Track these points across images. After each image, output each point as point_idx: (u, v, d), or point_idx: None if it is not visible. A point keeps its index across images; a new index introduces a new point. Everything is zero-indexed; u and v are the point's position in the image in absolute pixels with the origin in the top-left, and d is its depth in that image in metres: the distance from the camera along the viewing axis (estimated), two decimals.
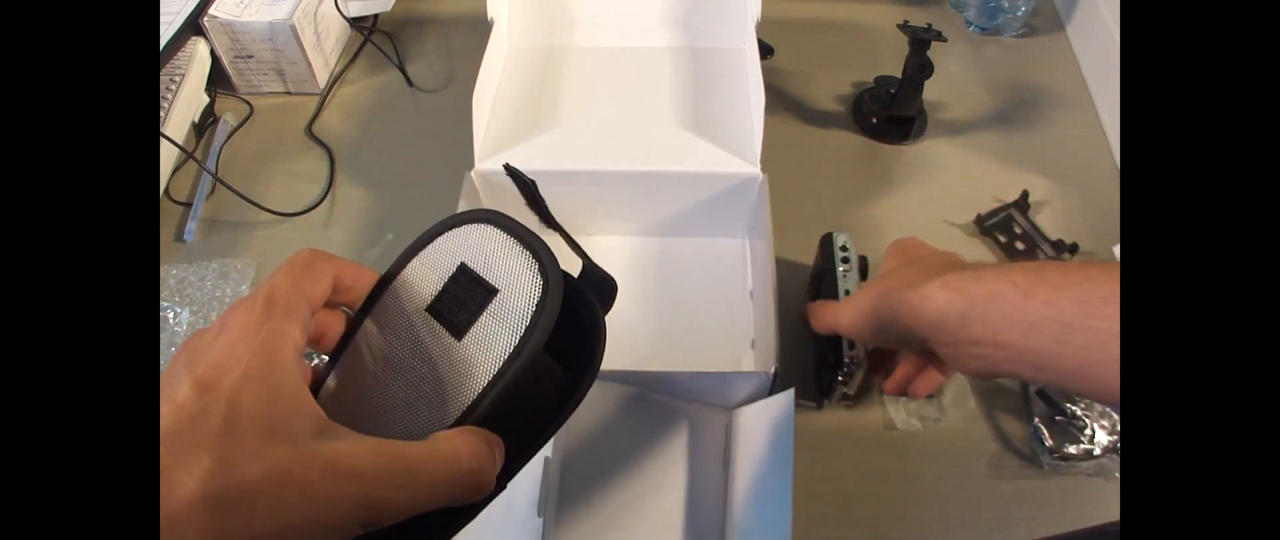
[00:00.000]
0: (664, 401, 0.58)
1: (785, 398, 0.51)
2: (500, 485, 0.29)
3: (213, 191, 0.77)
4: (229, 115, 0.83)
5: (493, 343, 0.28)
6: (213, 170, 0.78)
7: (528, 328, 0.28)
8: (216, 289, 0.69)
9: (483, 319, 0.29)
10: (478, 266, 0.30)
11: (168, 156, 0.75)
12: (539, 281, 0.29)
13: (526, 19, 0.78)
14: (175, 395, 0.23)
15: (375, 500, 0.24)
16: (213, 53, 0.82)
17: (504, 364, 0.28)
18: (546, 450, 0.52)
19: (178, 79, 0.78)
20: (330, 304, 0.30)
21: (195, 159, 0.77)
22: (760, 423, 0.54)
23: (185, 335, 0.66)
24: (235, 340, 0.25)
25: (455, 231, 0.31)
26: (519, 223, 0.31)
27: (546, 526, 0.51)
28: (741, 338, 0.65)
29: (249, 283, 0.70)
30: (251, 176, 0.78)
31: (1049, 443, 0.59)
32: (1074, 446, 0.58)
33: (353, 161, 0.80)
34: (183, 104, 0.77)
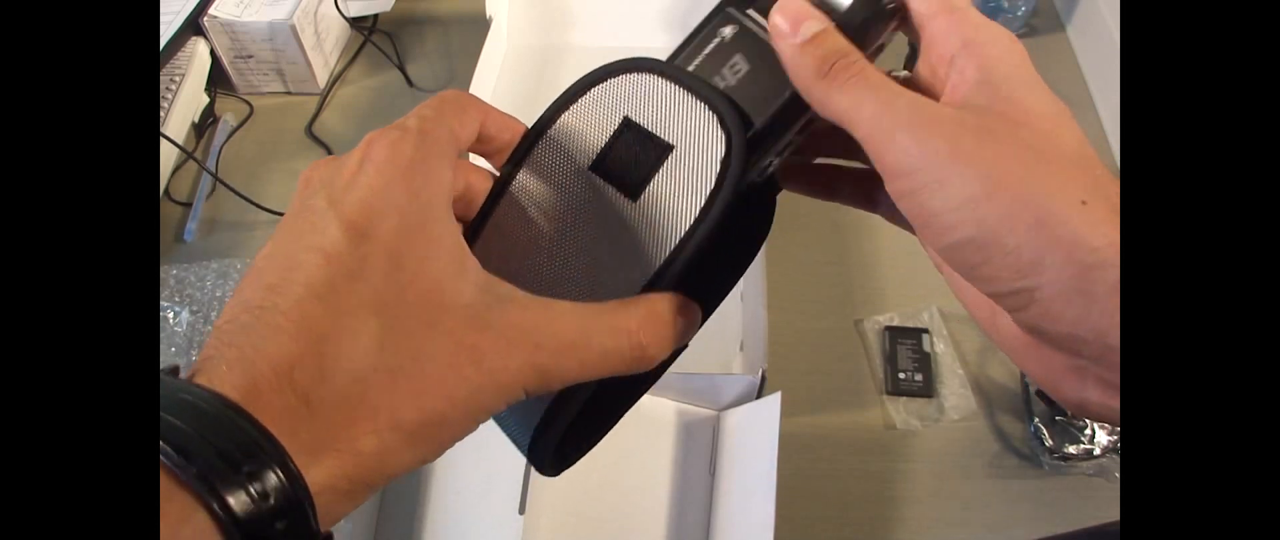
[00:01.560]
0: (651, 402, 0.58)
1: (772, 401, 0.51)
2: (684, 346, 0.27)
3: (213, 191, 0.77)
4: (229, 115, 0.83)
5: (675, 204, 0.26)
6: (213, 170, 0.78)
7: (713, 188, 0.25)
8: (216, 289, 0.69)
9: (659, 178, 0.26)
10: (645, 120, 0.27)
11: (168, 156, 0.75)
12: (721, 135, 0.26)
13: (525, 18, 0.78)
14: (323, 241, 0.21)
15: (544, 368, 0.22)
16: (213, 53, 0.82)
17: (691, 227, 0.25)
18: None
19: (178, 79, 0.78)
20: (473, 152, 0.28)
21: (195, 159, 0.77)
22: (747, 425, 0.54)
23: (185, 335, 0.66)
24: (387, 181, 0.22)
25: (611, 82, 0.28)
26: (684, 70, 0.28)
27: (528, 527, 0.51)
28: (730, 340, 0.65)
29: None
30: (251, 176, 0.78)
31: (1049, 443, 0.59)
32: (1074, 446, 0.58)
33: None
34: (183, 104, 0.77)
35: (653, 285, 0.26)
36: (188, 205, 0.76)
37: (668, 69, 0.28)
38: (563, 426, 0.26)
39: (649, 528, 0.54)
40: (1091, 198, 0.21)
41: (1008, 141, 0.23)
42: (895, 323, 0.66)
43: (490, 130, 0.27)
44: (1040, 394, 0.61)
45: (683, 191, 0.26)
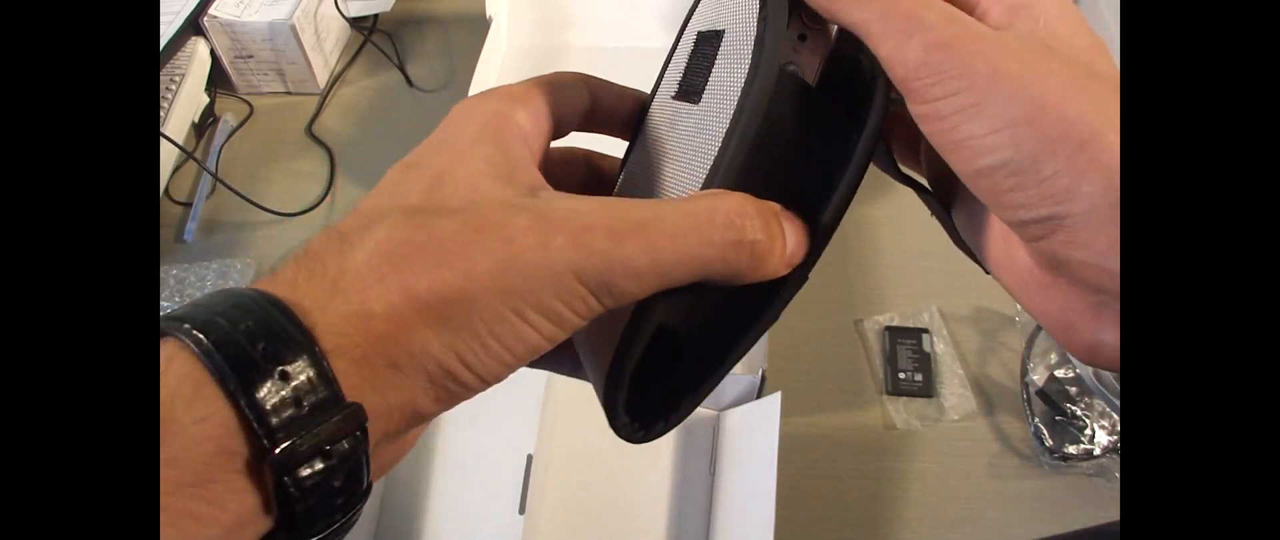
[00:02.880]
0: None
1: (772, 401, 0.51)
2: (802, 272, 0.23)
3: (213, 191, 0.77)
4: (229, 115, 0.83)
5: (728, 85, 0.23)
6: (213, 170, 0.78)
7: (755, 43, 0.23)
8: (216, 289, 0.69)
9: (715, 69, 0.24)
10: (709, 24, 0.26)
11: (168, 156, 0.75)
12: (759, 17, 0.23)
13: (525, 18, 0.78)
14: (381, 182, 0.21)
15: (599, 250, 0.20)
16: (213, 53, 0.82)
17: (739, 98, 0.22)
18: (529, 448, 0.51)
19: (178, 79, 0.78)
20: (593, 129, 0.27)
21: (195, 159, 0.77)
22: (747, 425, 0.54)
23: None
24: (448, 125, 0.23)
25: (696, 11, 0.27)
26: None
27: (528, 527, 0.51)
28: None
29: (249, 282, 0.70)
30: (251, 176, 0.78)
31: (1049, 443, 0.59)
32: (1074, 446, 0.58)
33: (353, 161, 0.80)
34: (183, 104, 0.77)
35: (708, 182, 0.22)
36: (188, 205, 0.76)
37: None
38: (637, 355, 0.23)
39: (649, 528, 0.54)
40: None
41: (1052, 61, 0.21)
42: (895, 323, 0.66)
43: (605, 102, 0.27)
44: (1040, 394, 0.61)
45: (733, 69, 0.23)
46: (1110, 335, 0.22)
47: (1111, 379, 0.60)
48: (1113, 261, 0.20)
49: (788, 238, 0.22)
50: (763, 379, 0.54)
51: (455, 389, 0.20)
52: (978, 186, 0.22)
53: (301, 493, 0.18)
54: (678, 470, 0.56)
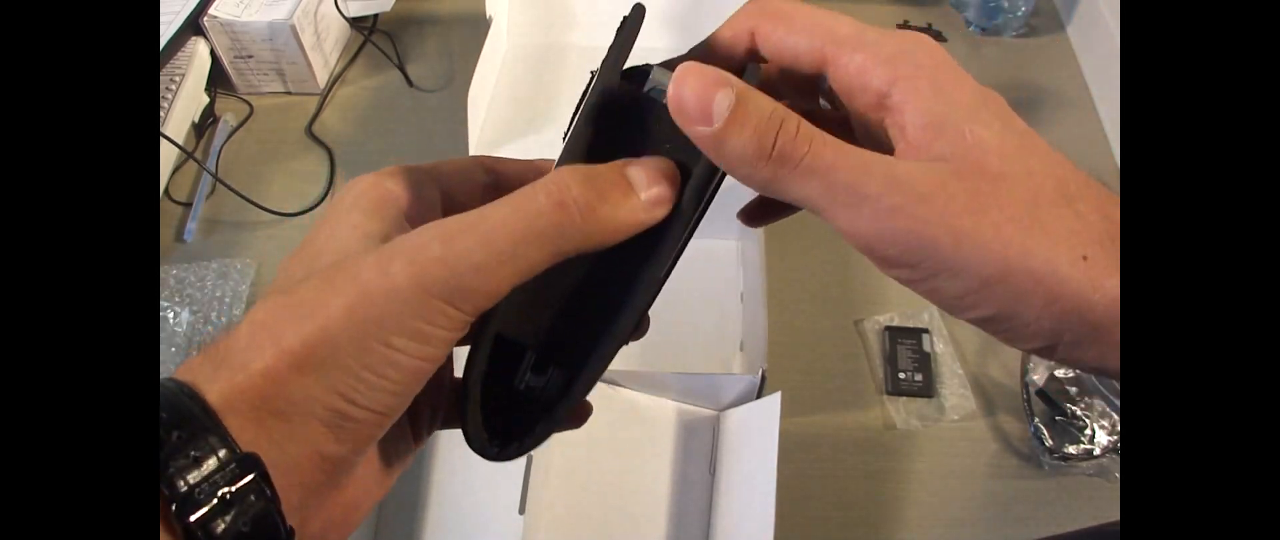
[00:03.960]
0: (651, 402, 0.58)
1: (772, 401, 0.51)
2: (694, 207, 0.24)
3: (213, 191, 0.77)
4: (229, 115, 0.83)
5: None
6: (213, 170, 0.78)
7: (604, 59, 0.25)
8: (216, 289, 0.69)
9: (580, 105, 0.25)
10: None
11: (168, 156, 0.75)
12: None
13: (525, 18, 0.78)
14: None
15: (434, 261, 0.21)
16: (213, 53, 0.82)
17: (581, 96, 0.25)
18: None
19: (178, 79, 0.78)
20: None
21: (195, 159, 0.77)
22: (747, 425, 0.54)
23: (185, 335, 0.66)
24: (329, 203, 0.26)
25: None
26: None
27: (528, 527, 0.51)
28: (731, 340, 0.65)
29: (249, 283, 0.70)
30: (251, 176, 0.78)
31: (1049, 443, 0.59)
32: (1074, 446, 0.58)
33: (353, 161, 0.80)
34: (183, 104, 0.77)
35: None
36: (188, 205, 0.75)
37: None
38: (482, 360, 0.23)
39: (649, 528, 0.54)
40: (1090, 251, 0.21)
41: (998, 204, 0.21)
42: (895, 323, 0.66)
43: (510, 178, 0.27)
44: (1040, 394, 0.61)
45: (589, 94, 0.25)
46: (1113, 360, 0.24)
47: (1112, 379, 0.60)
48: (1107, 364, 0.22)
49: (640, 182, 0.23)
50: (763, 379, 0.54)
51: (351, 426, 0.21)
52: (976, 324, 0.23)
53: (211, 537, 0.19)
54: (678, 470, 0.56)
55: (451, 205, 0.26)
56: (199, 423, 0.20)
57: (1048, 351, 0.23)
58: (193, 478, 0.19)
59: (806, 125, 0.21)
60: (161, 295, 0.69)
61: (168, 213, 0.75)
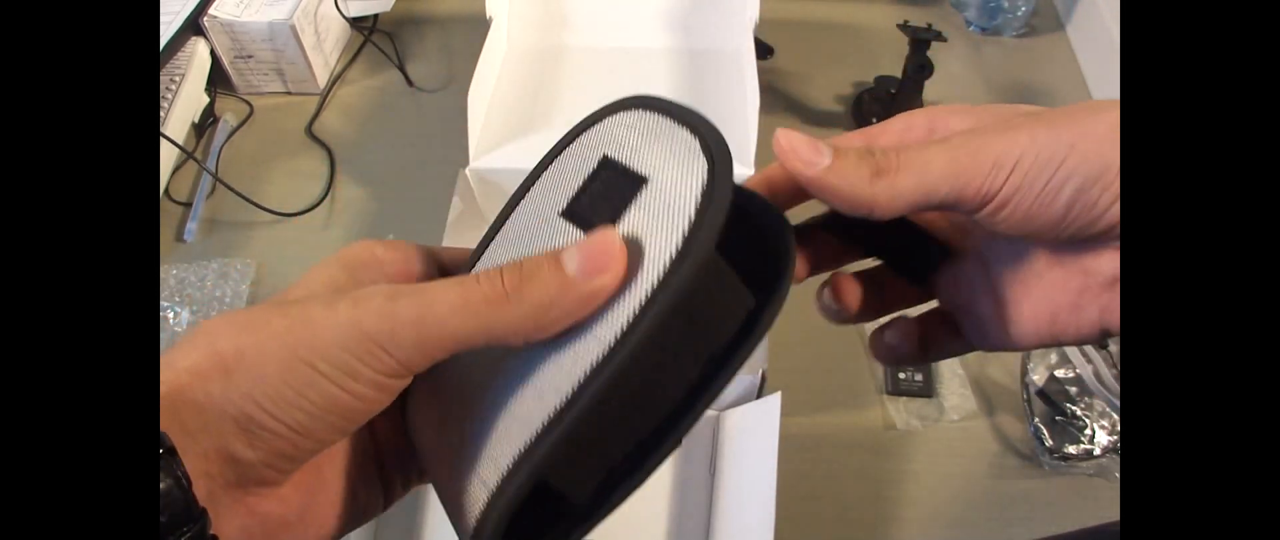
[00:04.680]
0: None
1: (772, 401, 0.51)
2: (682, 426, 0.23)
3: (213, 191, 0.77)
4: (229, 115, 0.83)
5: (647, 246, 0.22)
6: (213, 170, 0.78)
7: (693, 221, 0.21)
8: (216, 289, 0.69)
9: (630, 213, 0.23)
10: (623, 156, 0.24)
11: (168, 156, 0.75)
12: (702, 162, 0.22)
13: (525, 18, 0.78)
14: None
15: (375, 311, 0.22)
16: (213, 53, 0.82)
17: (668, 268, 0.21)
18: None
19: (178, 79, 0.78)
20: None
21: (195, 159, 0.77)
22: (747, 425, 0.54)
23: (185, 335, 0.66)
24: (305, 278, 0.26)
25: (600, 125, 0.26)
26: (678, 103, 0.24)
27: None
28: None
29: (249, 282, 0.70)
30: (251, 176, 0.78)
31: (1049, 443, 0.59)
32: (1074, 446, 0.58)
33: (353, 161, 0.80)
34: (183, 104, 0.77)
35: (617, 348, 0.21)
36: (188, 205, 0.76)
37: (660, 102, 0.25)
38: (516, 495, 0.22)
39: (649, 528, 0.54)
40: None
41: (1030, 117, 0.24)
42: None
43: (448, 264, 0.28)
44: (1040, 394, 0.61)
45: (655, 228, 0.22)
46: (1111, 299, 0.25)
47: (1111, 379, 0.60)
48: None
49: (570, 260, 0.22)
50: (763, 379, 0.54)
51: (264, 436, 0.23)
52: (1072, 212, 0.24)
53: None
54: (678, 470, 0.56)
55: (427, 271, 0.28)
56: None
57: (1112, 199, 0.23)
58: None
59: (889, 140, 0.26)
60: (161, 295, 0.69)
61: (168, 213, 0.75)
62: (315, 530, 0.26)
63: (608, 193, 0.24)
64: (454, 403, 0.25)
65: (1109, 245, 0.25)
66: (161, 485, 0.21)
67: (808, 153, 0.24)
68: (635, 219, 0.23)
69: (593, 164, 0.25)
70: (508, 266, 0.23)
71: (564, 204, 0.25)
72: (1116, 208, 0.23)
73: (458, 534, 0.24)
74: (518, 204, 0.27)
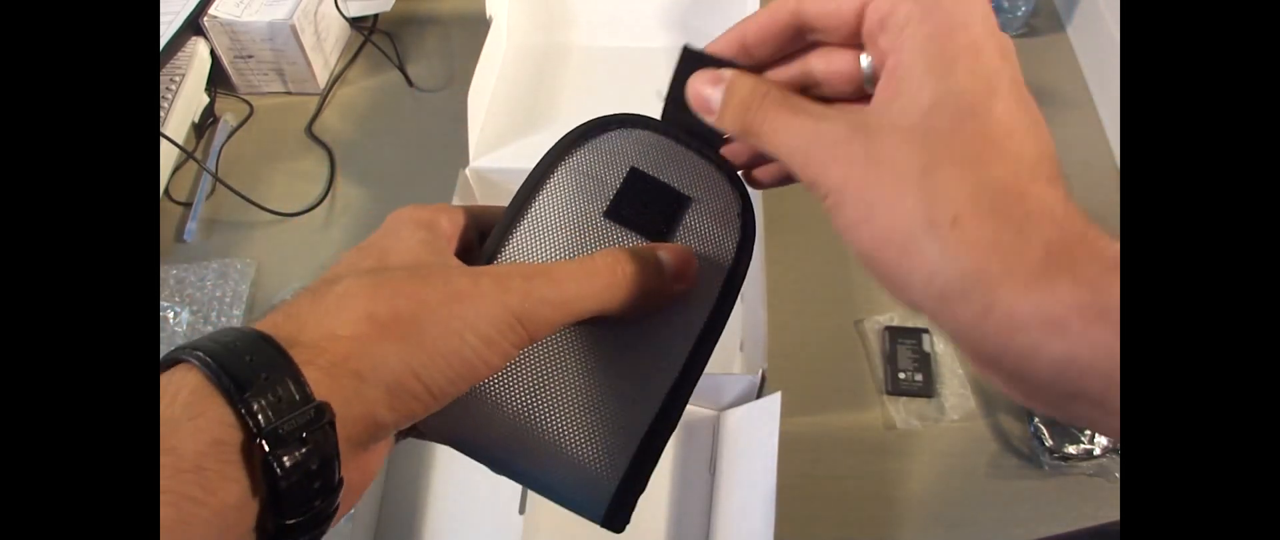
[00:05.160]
0: None
1: (772, 401, 0.51)
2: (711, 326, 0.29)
3: (213, 191, 0.77)
4: (229, 115, 0.83)
5: (706, 258, 0.29)
6: (213, 170, 0.78)
7: (741, 239, 0.30)
8: (216, 289, 0.69)
9: (683, 229, 0.29)
10: (652, 171, 0.30)
11: (168, 156, 0.75)
12: (735, 198, 0.30)
13: (525, 17, 0.78)
14: (338, 262, 0.27)
15: (515, 290, 0.25)
16: (213, 53, 0.82)
17: (729, 273, 0.29)
18: None
19: (178, 79, 0.78)
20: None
21: (195, 159, 0.77)
22: (747, 425, 0.54)
23: (185, 335, 0.66)
24: (388, 223, 0.29)
25: (606, 137, 0.31)
26: (677, 128, 0.30)
27: (528, 527, 0.51)
28: (731, 340, 0.65)
29: (249, 282, 0.70)
30: (251, 176, 0.78)
31: (1049, 443, 0.59)
32: (1074, 446, 0.58)
33: (353, 161, 0.80)
34: (183, 104, 0.77)
35: (703, 341, 0.29)
36: (188, 205, 0.76)
37: (651, 121, 0.30)
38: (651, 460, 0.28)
39: (649, 528, 0.54)
40: (962, 212, 0.22)
41: (889, 159, 0.23)
42: (895, 323, 0.66)
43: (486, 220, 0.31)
44: None
45: (712, 240, 0.29)
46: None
47: None
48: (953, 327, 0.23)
49: (667, 264, 0.28)
50: (763, 379, 0.54)
51: (406, 400, 0.24)
52: (859, 252, 0.25)
53: (283, 471, 0.21)
54: (678, 470, 0.56)
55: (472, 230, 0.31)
56: (282, 368, 0.22)
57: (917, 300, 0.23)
58: (274, 414, 0.21)
59: (781, 91, 0.27)
60: (161, 295, 0.69)
61: (168, 213, 0.75)
62: (374, 473, 0.27)
63: (651, 203, 0.30)
64: (545, 382, 0.29)
65: None
66: (321, 451, 0.22)
67: (702, 100, 0.28)
68: (690, 235, 0.29)
69: (620, 173, 0.30)
70: (618, 257, 0.27)
71: (604, 206, 0.30)
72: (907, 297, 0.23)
73: (563, 492, 0.30)
74: (534, 197, 0.30)
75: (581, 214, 0.29)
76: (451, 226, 0.29)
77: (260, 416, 0.21)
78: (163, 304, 0.68)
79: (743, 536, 0.50)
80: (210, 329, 0.66)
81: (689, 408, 0.58)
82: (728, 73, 0.28)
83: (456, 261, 0.27)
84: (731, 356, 0.63)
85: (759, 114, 0.26)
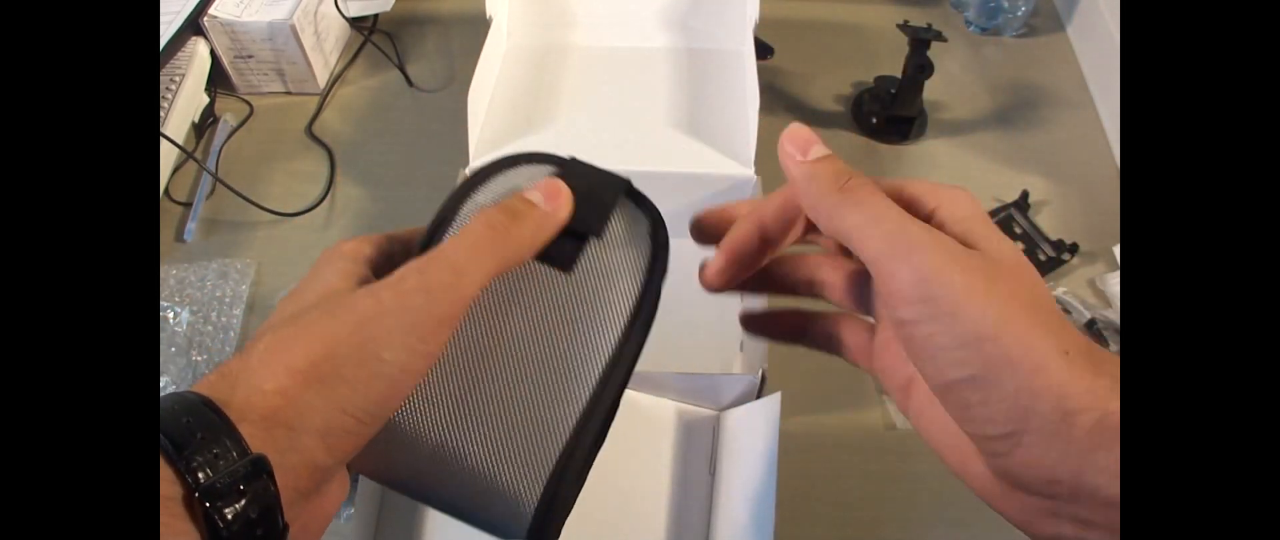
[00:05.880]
0: (651, 402, 0.58)
1: (772, 401, 0.51)
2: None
3: (213, 191, 0.77)
4: (229, 115, 0.83)
5: (616, 274, 0.30)
6: (213, 170, 0.78)
7: (651, 258, 0.31)
8: (216, 289, 0.69)
9: (593, 250, 0.30)
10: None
11: (168, 156, 0.75)
12: (644, 214, 0.31)
13: (525, 17, 0.78)
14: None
15: (412, 288, 0.26)
16: (213, 53, 0.82)
17: (641, 288, 0.31)
18: None
19: (178, 79, 0.78)
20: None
21: (195, 159, 0.77)
22: (747, 425, 0.54)
23: (185, 335, 0.66)
24: (316, 261, 0.29)
25: (512, 171, 0.32)
26: (568, 156, 0.32)
27: None
28: (731, 340, 0.64)
29: (249, 282, 0.70)
30: (251, 176, 0.78)
31: None
32: None
33: (353, 161, 0.80)
34: (183, 104, 0.77)
35: (613, 365, 0.29)
36: (188, 205, 0.76)
37: (565, 162, 0.32)
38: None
39: (649, 528, 0.54)
40: (1072, 349, 0.23)
41: (1008, 285, 0.24)
42: None
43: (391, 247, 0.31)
44: None
45: (622, 261, 0.30)
46: (1069, 530, 0.24)
47: None
48: (1062, 472, 0.22)
49: (536, 196, 0.30)
50: (763, 379, 0.54)
51: (343, 438, 0.25)
52: (949, 399, 0.25)
53: (225, 523, 0.22)
54: (678, 470, 0.56)
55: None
56: (218, 428, 0.23)
57: (1009, 446, 0.23)
58: (212, 471, 0.22)
59: (873, 182, 0.27)
60: (161, 295, 0.69)
61: (168, 213, 0.75)
62: (331, 513, 0.28)
63: (564, 242, 0.30)
64: (459, 410, 0.29)
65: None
66: (261, 501, 0.23)
67: (801, 145, 0.28)
68: (597, 261, 0.31)
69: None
70: (492, 209, 0.29)
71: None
72: (989, 429, 0.24)
73: (485, 518, 0.29)
74: (443, 233, 0.31)
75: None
76: (373, 250, 0.30)
77: (200, 473, 0.22)
78: (163, 304, 0.68)
79: (743, 536, 0.50)
80: (210, 329, 0.66)
81: (689, 408, 0.59)
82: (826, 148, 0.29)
83: (365, 285, 0.27)
84: (731, 356, 0.63)
85: (863, 186, 0.27)
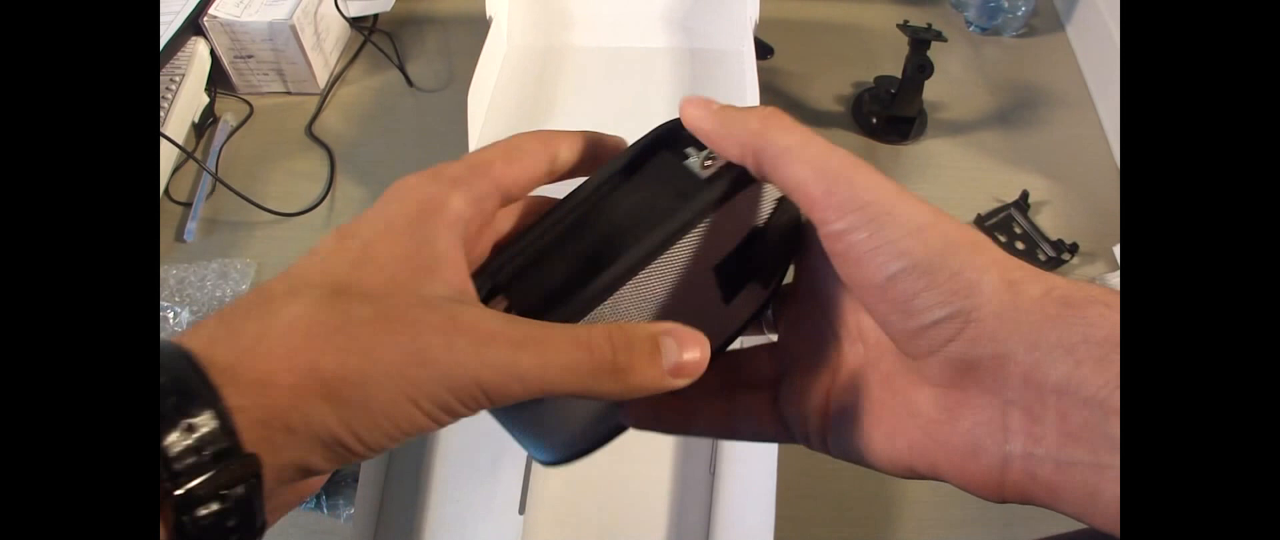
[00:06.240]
0: None
1: None
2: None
3: (213, 191, 0.77)
4: (229, 115, 0.83)
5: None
6: (213, 170, 0.78)
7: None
8: (216, 289, 0.69)
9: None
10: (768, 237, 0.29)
11: (168, 156, 0.75)
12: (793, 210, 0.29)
13: (525, 18, 0.78)
14: (318, 243, 0.23)
15: (492, 363, 0.22)
16: (213, 53, 0.82)
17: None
18: None
19: (178, 79, 0.78)
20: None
21: (195, 159, 0.77)
22: None
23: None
24: (389, 200, 0.25)
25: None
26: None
27: (528, 527, 0.51)
28: None
29: (249, 282, 0.70)
30: (251, 176, 0.78)
31: None
32: None
33: (353, 161, 0.80)
34: (183, 104, 0.77)
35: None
36: (188, 205, 0.76)
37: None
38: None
39: (649, 528, 0.54)
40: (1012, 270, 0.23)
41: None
42: None
43: (563, 159, 0.28)
44: None
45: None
46: (1018, 445, 0.23)
47: None
48: (1015, 344, 0.22)
49: (670, 351, 0.24)
50: None
51: (344, 454, 0.22)
52: (892, 294, 0.24)
53: (198, 531, 0.20)
54: (678, 470, 0.56)
55: (505, 200, 0.27)
56: (206, 404, 0.20)
57: (958, 326, 0.23)
58: (190, 463, 0.20)
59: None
60: (161, 295, 0.69)
61: (168, 213, 0.75)
62: (308, 494, 0.26)
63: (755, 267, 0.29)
64: None
65: (929, 371, 0.24)
66: (235, 494, 0.20)
67: (702, 104, 0.26)
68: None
69: (743, 235, 0.28)
70: (617, 341, 0.23)
71: (720, 259, 0.27)
72: (937, 312, 0.23)
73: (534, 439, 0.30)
74: (676, 240, 0.26)
75: (704, 262, 0.27)
76: (469, 209, 0.25)
77: (179, 473, 0.20)
78: (163, 304, 0.68)
79: (743, 536, 0.50)
80: None
81: None
82: (715, 105, 0.26)
83: (438, 293, 0.23)
84: None
85: (782, 117, 0.25)
